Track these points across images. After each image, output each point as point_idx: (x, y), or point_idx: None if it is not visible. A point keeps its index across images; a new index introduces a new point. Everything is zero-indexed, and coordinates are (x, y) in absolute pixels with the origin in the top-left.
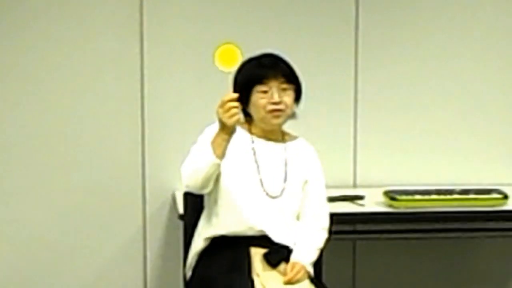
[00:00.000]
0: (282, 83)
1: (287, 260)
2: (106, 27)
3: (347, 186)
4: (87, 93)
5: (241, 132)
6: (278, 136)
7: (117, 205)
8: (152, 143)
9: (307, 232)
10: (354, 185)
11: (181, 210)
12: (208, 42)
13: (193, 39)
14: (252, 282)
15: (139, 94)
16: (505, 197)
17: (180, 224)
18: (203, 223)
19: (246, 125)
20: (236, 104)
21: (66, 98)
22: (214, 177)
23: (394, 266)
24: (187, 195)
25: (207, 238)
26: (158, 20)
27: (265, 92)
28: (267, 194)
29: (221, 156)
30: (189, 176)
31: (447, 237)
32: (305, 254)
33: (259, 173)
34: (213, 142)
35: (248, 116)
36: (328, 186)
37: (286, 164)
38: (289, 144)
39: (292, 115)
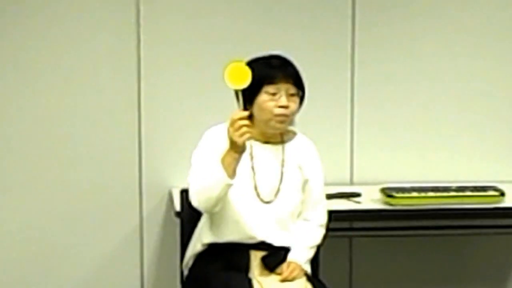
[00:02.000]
0: (291, 86)
1: (284, 261)
2: (103, 23)
3: (343, 183)
4: (83, 90)
5: None
6: (277, 137)
7: (114, 202)
8: (148, 140)
9: (304, 230)
10: (351, 182)
11: (178, 207)
12: (205, 38)
13: (190, 34)
14: (249, 280)
15: (135, 91)
16: (502, 194)
17: (177, 221)
18: (203, 229)
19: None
20: (247, 122)
21: (62, 94)
22: (226, 196)
23: (390, 263)
24: (184, 192)
25: (205, 244)
26: (155, 15)
27: (273, 94)
28: (261, 200)
29: (234, 175)
30: (201, 199)
31: (444, 234)
32: (301, 253)
33: (254, 179)
34: (223, 161)
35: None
36: (325, 183)
37: (283, 166)
38: (287, 144)
39: (293, 121)
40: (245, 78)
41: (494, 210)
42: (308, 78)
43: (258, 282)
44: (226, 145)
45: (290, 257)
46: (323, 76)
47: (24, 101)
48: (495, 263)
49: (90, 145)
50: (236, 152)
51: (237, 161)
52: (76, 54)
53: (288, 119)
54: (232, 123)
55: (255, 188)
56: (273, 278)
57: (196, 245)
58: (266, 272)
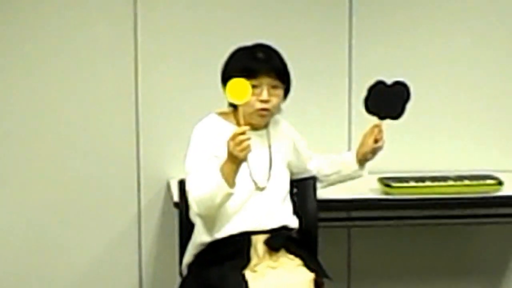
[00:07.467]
0: (273, 80)
1: (285, 245)
2: (100, 14)
3: None
4: (80, 82)
5: (229, 127)
6: (260, 123)
7: (112, 194)
8: (146, 131)
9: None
10: None
11: (176, 198)
12: (203, 30)
13: (188, 25)
14: (243, 276)
15: (133, 82)
16: (500, 183)
17: (175, 212)
18: (201, 229)
19: (232, 116)
20: (248, 136)
21: (58, 87)
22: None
23: (388, 253)
24: (182, 183)
25: (206, 243)
26: (152, 6)
27: (255, 86)
28: (257, 186)
29: (233, 184)
30: (202, 207)
31: (442, 223)
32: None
33: (249, 167)
34: (223, 171)
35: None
36: None
37: (270, 151)
38: (271, 128)
39: (277, 110)
40: (246, 93)
41: (492, 199)
42: (305, 67)
43: (261, 272)
44: (217, 140)
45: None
46: (320, 65)
47: (20, 93)
48: (494, 252)
49: (88, 137)
50: (234, 164)
51: (236, 172)
52: (73, 46)
53: (269, 112)
54: (233, 138)
55: (251, 176)
56: (274, 265)
57: (196, 247)
58: (267, 255)
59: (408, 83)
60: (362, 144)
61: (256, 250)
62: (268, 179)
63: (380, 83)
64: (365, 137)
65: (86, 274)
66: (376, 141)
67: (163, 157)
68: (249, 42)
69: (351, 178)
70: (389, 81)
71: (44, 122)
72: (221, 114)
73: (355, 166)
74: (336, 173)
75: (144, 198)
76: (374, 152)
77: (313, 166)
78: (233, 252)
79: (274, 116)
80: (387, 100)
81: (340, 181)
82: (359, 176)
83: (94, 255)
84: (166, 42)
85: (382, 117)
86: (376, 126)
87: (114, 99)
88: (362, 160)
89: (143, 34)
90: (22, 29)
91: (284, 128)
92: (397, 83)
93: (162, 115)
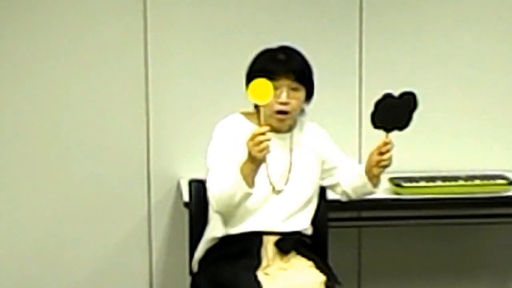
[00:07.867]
0: (293, 82)
1: (296, 248)
2: (109, 12)
3: None
4: (90, 81)
5: (251, 127)
6: (284, 127)
7: (122, 193)
8: (157, 131)
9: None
10: None
11: (186, 198)
12: (213, 27)
13: (199, 23)
14: (256, 277)
15: (143, 81)
16: (510, 183)
17: (185, 212)
18: (215, 224)
19: (255, 117)
20: (267, 137)
21: (68, 84)
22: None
23: (399, 253)
24: (192, 183)
25: (217, 238)
26: (162, 4)
27: (274, 88)
28: (274, 189)
29: (252, 184)
30: (222, 205)
31: (452, 223)
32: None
33: (267, 169)
34: (242, 170)
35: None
36: None
37: (291, 156)
38: (295, 132)
39: (300, 112)
40: (267, 94)
41: (503, 199)
42: (316, 66)
43: (272, 274)
44: (239, 138)
45: (361, 169)
46: (331, 64)
47: (29, 92)
48: (505, 252)
49: (98, 136)
50: (253, 164)
51: (255, 172)
52: (82, 44)
53: (288, 115)
54: (252, 138)
55: (268, 177)
56: (284, 266)
57: (208, 242)
58: (278, 257)
59: (415, 91)
60: (368, 157)
61: (266, 250)
62: (286, 183)
63: (387, 97)
64: (372, 151)
65: (96, 273)
66: (381, 153)
67: (173, 157)
68: (259, 39)
69: (365, 193)
70: (395, 93)
71: (54, 122)
72: (245, 114)
73: (365, 179)
74: (357, 186)
75: (154, 197)
76: (378, 165)
77: (341, 176)
78: (243, 250)
79: (301, 120)
80: (394, 112)
81: (358, 195)
82: (371, 191)
83: (104, 254)
84: (176, 41)
85: (389, 130)
86: (384, 141)
87: (124, 98)
88: (370, 174)
89: (153, 32)
90: (30, 28)
91: (310, 132)
92: (404, 94)
93: (172, 114)
